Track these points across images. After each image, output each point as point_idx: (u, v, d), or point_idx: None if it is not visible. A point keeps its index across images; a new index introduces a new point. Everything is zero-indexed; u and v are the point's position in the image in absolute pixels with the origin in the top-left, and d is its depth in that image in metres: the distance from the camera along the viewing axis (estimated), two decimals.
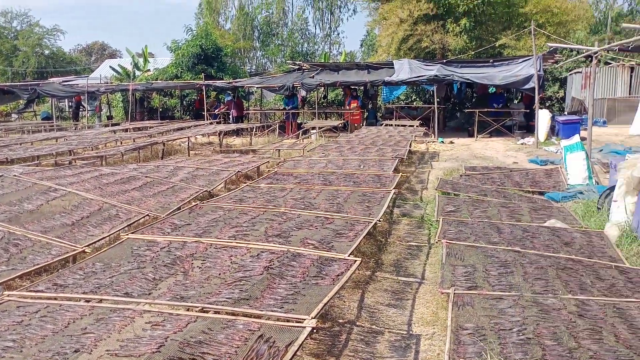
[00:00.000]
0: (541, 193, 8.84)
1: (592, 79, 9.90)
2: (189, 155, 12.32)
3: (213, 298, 3.11)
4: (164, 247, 3.98)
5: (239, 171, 8.15)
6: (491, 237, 5.86)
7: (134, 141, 15.96)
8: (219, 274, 3.44)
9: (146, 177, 7.09)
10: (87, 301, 3.13)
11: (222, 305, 2.99)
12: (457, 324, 3.85)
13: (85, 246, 4.71)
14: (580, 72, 23.35)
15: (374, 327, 4.37)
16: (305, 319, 2.74)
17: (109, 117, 28.25)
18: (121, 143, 14.32)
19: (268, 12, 44.67)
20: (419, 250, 6.29)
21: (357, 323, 4.38)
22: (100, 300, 3.13)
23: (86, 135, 15.31)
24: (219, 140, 14.79)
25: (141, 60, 35.49)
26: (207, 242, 4.00)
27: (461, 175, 10.19)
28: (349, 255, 3.68)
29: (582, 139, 17.19)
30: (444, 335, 3.89)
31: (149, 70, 34.22)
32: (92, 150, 11.64)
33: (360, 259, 3.62)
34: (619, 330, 3.63)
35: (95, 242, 4.85)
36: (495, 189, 8.75)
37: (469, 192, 8.24)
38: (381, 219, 4.95)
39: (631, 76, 22.60)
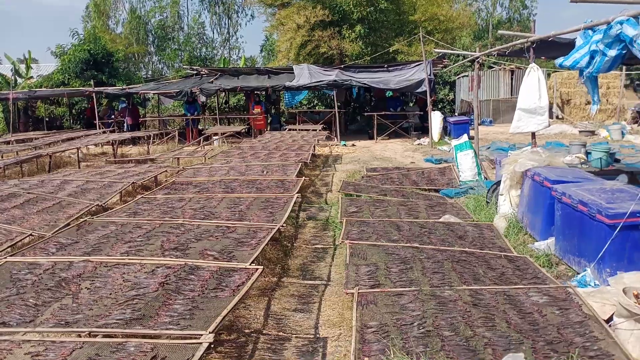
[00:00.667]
0: (436, 190, 9.29)
1: (476, 82, 10.59)
2: (79, 168, 11.51)
3: (102, 320, 2.87)
4: (48, 269, 3.62)
5: (134, 182, 7.71)
6: (391, 235, 6.04)
7: (17, 154, 14.68)
8: (110, 294, 3.19)
9: (28, 193, 6.48)
10: None
11: (112, 327, 2.77)
12: (362, 323, 3.90)
13: None
14: (467, 76, 25.03)
15: (280, 334, 4.30)
16: (202, 335, 2.61)
17: None
18: (1, 157, 13.07)
19: (162, 16, 43.17)
20: (324, 253, 6.33)
21: (264, 331, 4.30)
22: None
23: None
24: (113, 150, 13.98)
25: (23, 66, 32.75)
26: (97, 261, 3.70)
27: (363, 177, 10.46)
28: (250, 264, 3.58)
29: (472, 137, 18.50)
30: (350, 336, 3.92)
31: (32, 77, 31.69)
32: None
33: (261, 267, 3.53)
34: (510, 316, 3.87)
35: None
36: (394, 188, 9.07)
37: (370, 192, 8.46)
38: (285, 225, 4.91)
39: (512, 78, 24.59)
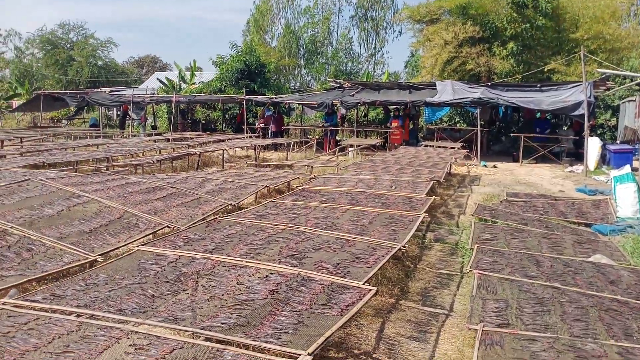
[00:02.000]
0: (587, 225, 8.24)
1: None
2: (222, 167, 12.27)
3: (208, 322, 2.85)
4: (172, 262, 3.76)
5: (267, 186, 7.95)
6: (528, 270, 5.40)
7: (174, 151, 16.14)
8: (222, 295, 3.18)
9: (172, 187, 6.97)
10: (78, 316, 2.93)
11: (216, 331, 2.73)
12: None
13: (98, 255, 4.57)
14: (634, 100, 22.22)
15: None
16: (300, 355, 2.44)
17: (154, 127, 28.90)
18: (159, 152, 14.46)
19: (314, 31, 44.99)
20: (449, 280, 5.88)
21: (374, 355, 4.04)
22: (91, 316, 2.92)
23: (127, 144, 15.55)
24: (255, 154, 14.73)
25: (188, 73, 36.33)
26: (216, 260, 3.77)
27: (502, 202, 9.68)
28: (364, 283, 3.36)
29: (635, 169, 16.31)
30: None
31: (194, 83, 34.95)
32: (127, 158, 11.73)
33: (375, 289, 3.30)
34: None
35: (109, 252, 4.70)
36: (537, 217, 8.22)
37: (508, 219, 7.75)
38: (407, 245, 4.60)
39: None
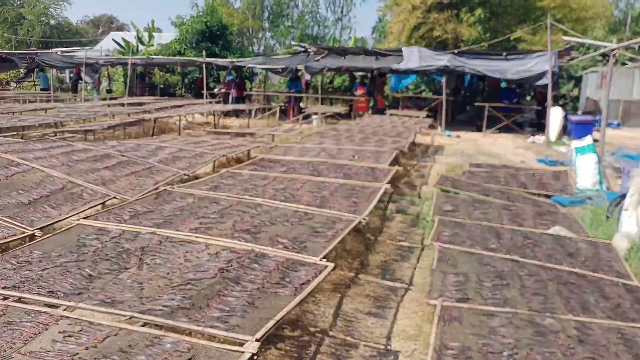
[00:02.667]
0: (548, 196, 8.30)
1: (608, 79, 9.29)
2: (179, 135, 11.83)
3: (149, 304, 2.63)
4: (115, 237, 3.49)
5: (224, 155, 7.64)
6: (489, 243, 5.35)
7: (129, 116, 15.50)
8: (167, 274, 2.95)
9: (122, 155, 6.59)
10: (5, 298, 2.66)
11: (157, 314, 2.51)
12: (441, 342, 3.38)
13: (36, 229, 4.23)
14: (597, 72, 22.60)
15: (348, 338, 3.89)
16: (247, 341, 2.25)
17: (109, 91, 27.76)
18: (113, 118, 13.83)
19: None
20: (410, 252, 5.80)
21: (331, 333, 3.91)
22: (19, 299, 2.66)
23: (78, 108, 14.81)
24: (214, 120, 14.28)
25: (146, 34, 34.84)
26: (163, 235, 3.51)
27: (464, 172, 9.65)
28: (320, 259, 3.19)
29: (595, 140, 16.63)
30: (426, 354, 3.41)
31: (152, 45, 33.55)
32: (77, 123, 11.13)
33: (332, 265, 3.13)
34: None
35: (48, 225, 4.37)
36: (499, 189, 8.22)
37: (471, 190, 7.71)
38: (367, 217, 4.45)
39: None
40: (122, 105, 18.34)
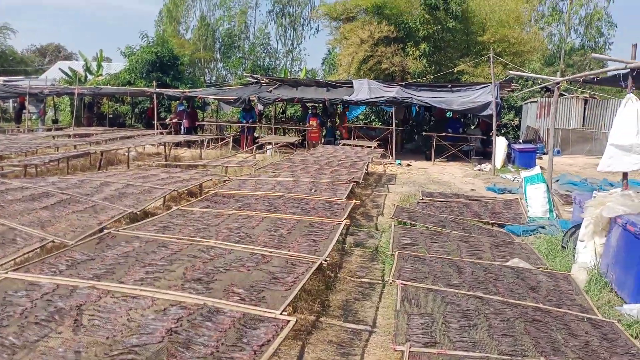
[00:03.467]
0: (501, 225, 8.38)
1: (551, 109, 9.60)
2: (128, 167, 11.31)
3: None
4: (47, 294, 3.08)
5: (175, 190, 7.27)
6: (451, 278, 5.25)
7: (75, 148, 14.82)
8: (107, 338, 2.59)
9: (62, 193, 6.11)
10: None
11: None
12: None
13: None
14: (536, 102, 23.66)
15: None
16: None
17: (55, 121, 26.64)
18: (57, 150, 13.13)
19: (230, 25, 43.87)
20: (371, 289, 5.61)
21: None
22: None
23: (20, 140, 14.00)
24: (165, 152, 13.81)
25: (94, 64, 33.94)
26: (104, 289, 3.13)
27: (418, 202, 9.66)
28: (281, 313, 2.93)
29: (540, 167, 17.24)
30: None
31: (101, 75, 32.68)
32: (18, 156, 10.44)
33: (294, 320, 2.87)
34: None
35: None
36: (453, 219, 8.23)
37: (427, 222, 7.67)
38: (328, 259, 4.23)
39: (585, 108, 23.04)
40: (69, 136, 17.55)
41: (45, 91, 23.03)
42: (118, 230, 4.61)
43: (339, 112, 24.30)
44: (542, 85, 16.56)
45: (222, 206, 6.06)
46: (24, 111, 24.56)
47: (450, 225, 7.70)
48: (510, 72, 12.95)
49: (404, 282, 4.91)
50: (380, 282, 5.86)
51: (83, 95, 22.95)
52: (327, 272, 5.88)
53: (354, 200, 6.75)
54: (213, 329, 2.71)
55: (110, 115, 27.40)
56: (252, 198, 6.49)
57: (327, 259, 4.27)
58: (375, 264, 6.47)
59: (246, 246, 4.38)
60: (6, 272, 3.40)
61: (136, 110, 27.85)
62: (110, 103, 28.40)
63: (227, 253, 4.17)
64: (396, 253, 5.88)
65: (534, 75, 15.78)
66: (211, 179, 8.65)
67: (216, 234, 4.73)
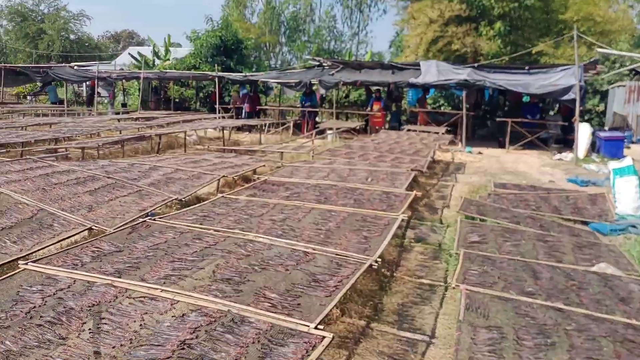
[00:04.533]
0: (584, 223, 7.44)
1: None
2: (185, 151, 11.19)
3: None
4: (61, 290, 2.77)
5: (224, 176, 6.94)
6: (525, 285, 4.54)
7: (138, 131, 15.02)
8: (113, 347, 2.23)
9: (108, 177, 5.92)
10: None
11: None
12: None
13: None
14: (624, 86, 21.58)
15: None
16: None
17: (124, 105, 27.51)
18: (119, 133, 13.29)
19: (295, 8, 43.58)
20: (431, 292, 5.00)
21: None
22: None
23: (85, 123, 14.33)
24: (223, 136, 13.65)
25: (163, 49, 34.76)
26: (122, 287, 2.78)
27: (489, 194, 8.82)
28: (316, 326, 2.43)
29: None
30: None
31: (169, 59, 33.43)
32: (80, 139, 10.55)
33: (331, 336, 2.38)
34: None
35: (4, 264, 3.68)
36: (529, 214, 7.38)
37: (498, 217, 6.89)
38: (379, 260, 3.67)
39: None
40: (134, 119, 17.90)
41: (113, 75, 23.72)
42: (155, 220, 4.28)
43: (405, 96, 23.39)
44: (632, 67, 14.90)
45: (269, 195, 5.64)
46: (95, 95, 25.50)
47: (525, 221, 6.88)
48: (600, 49, 11.62)
49: (469, 288, 4.27)
50: (442, 284, 5.23)
51: (149, 79, 23.45)
52: (383, 270, 5.32)
53: (415, 192, 6.11)
54: (233, 343, 2.27)
55: (176, 100, 27.96)
56: (303, 187, 6.01)
57: (378, 259, 3.71)
58: (437, 263, 5.83)
59: (288, 241, 3.91)
60: (26, 264, 3.12)
61: (200, 94, 28.20)
62: (176, 87, 29.00)
63: (267, 249, 3.72)
64: (462, 252, 5.22)
65: (629, 54, 14.15)
66: (264, 165, 8.27)
67: (258, 226, 4.30)
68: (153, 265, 3.22)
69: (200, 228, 4.11)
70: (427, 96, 20.41)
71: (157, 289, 2.81)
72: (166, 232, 3.99)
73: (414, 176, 7.62)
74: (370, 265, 3.58)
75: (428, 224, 7.43)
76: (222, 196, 5.43)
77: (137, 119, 18.24)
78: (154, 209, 5.14)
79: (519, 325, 3.72)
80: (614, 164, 8.11)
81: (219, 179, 6.80)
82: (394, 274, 5.36)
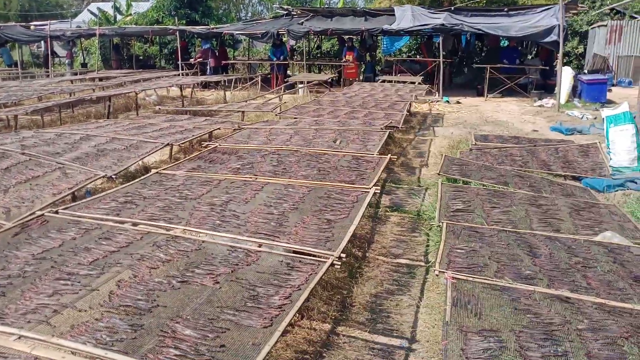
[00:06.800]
0: (577, 178, 6.74)
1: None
2: (137, 114, 10.10)
3: None
4: None
5: (170, 143, 5.96)
6: (522, 265, 3.80)
7: (94, 91, 13.82)
8: None
9: (22, 153, 4.93)
10: None
11: None
12: None
13: None
14: (605, 26, 20.73)
15: None
16: None
17: (84, 65, 25.77)
18: (70, 95, 12.06)
19: None
20: (410, 277, 4.25)
21: None
22: None
23: (32, 85, 13.02)
24: (182, 95, 12.51)
25: (125, 3, 32.60)
26: None
27: (471, 149, 8.04)
28: None
29: (609, 101, 14.96)
30: None
31: (130, 14, 31.38)
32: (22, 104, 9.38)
33: None
34: None
35: None
36: (517, 172, 6.63)
37: (484, 178, 6.12)
38: (343, 255, 2.83)
39: None
40: (91, 80, 16.56)
41: (67, 33, 21.94)
42: (57, 212, 3.36)
43: (380, 44, 22.25)
44: (614, 5, 13.92)
45: (217, 167, 4.73)
46: (53, 55, 23.72)
47: (513, 181, 6.13)
48: None
49: (455, 275, 3.51)
50: (423, 264, 4.47)
51: (106, 36, 21.73)
52: (353, 250, 4.53)
53: (390, 156, 5.26)
54: None
55: (141, 57, 26.28)
56: (259, 154, 5.11)
57: (342, 255, 2.89)
58: (416, 237, 5.07)
59: (227, 235, 3.05)
60: None
61: (165, 50, 26.54)
62: (139, 44, 27.21)
63: (195, 249, 2.86)
64: (444, 225, 4.44)
65: None
66: (219, 128, 7.29)
67: (191, 214, 3.42)
68: (26, 290, 2.34)
69: (114, 221, 3.22)
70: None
71: (11, 335, 1.93)
72: (67, 229, 3.09)
73: (389, 135, 6.76)
74: (332, 264, 2.77)
75: (405, 187, 6.64)
76: (156, 172, 4.49)
77: (93, 79, 16.90)
78: (73, 192, 4.21)
79: (520, 327, 2.99)
80: (608, 111, 7.34)
81: (160, 148, 5.81)
82: (367, 254, 4.59)
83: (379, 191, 4.18)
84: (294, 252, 2.88)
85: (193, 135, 6.52)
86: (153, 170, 4.45)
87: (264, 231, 3.17)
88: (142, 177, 4.30)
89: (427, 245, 4.83)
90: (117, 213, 3.43)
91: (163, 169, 4.56)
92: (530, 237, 4.33)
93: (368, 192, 3.99)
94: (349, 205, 3.72)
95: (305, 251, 2.88)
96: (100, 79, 16.68)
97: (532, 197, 5.46)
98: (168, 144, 5.87)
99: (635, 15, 23.16)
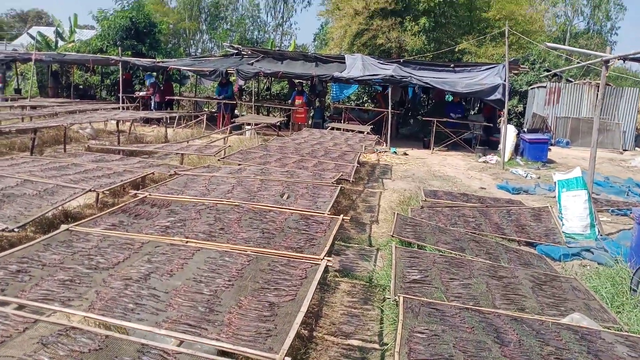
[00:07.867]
0: (530, 244, 6.48)
1: (600, 94, 7.63)
2: (65, 151, 9.17)
3: None
4: None
5: (91, 189, 5.16)
6: (490, 356, 3.32)
7: (23, 120, 12.77)
8: None
9: None
10: None
11: None
12: None
13: None
14: (544, 87, 21.69)
15: None
16: None
17: (17, 90, 24.22)
18: None
19: None
20: None
21: None
22: None
23: None
24: (118, 130, 11.64)
25: (68, 29, 31.34)
26: None
27: (422, 207, 7.70)
28: None
29: (550, 161, 15.33)
30: None
31: (73, 41, 30.14)
32: None
33: None
34: None
35: None
36: (471, 235, 6.28)
37: (439, 242, 5.72)
38: (284, 354, 2.24)
39: (597, 95, 21.10)
40: (23, 107, 15.35)
41: (0, 56, 20.60)
42: None
43: (329, 90, 22.22)
44: (591, 62, 14.34)
45: (143, 223, 4.05)
46: None
47: (469, 245, 5.76)
48: (548, 44, 10.83)
49: None
50: (377, 346, 3.92)
51: (43, 62, 20.53)
52: (299, 329, 3.91)
53: (342, 217, 4.76)
54: None
55: (81, 86, 25.06)
56: (193, 209, 4.46)
57: (286, 358, 2.29)
58: (369, 309, 4.52)
59: (139, 327, 2.38)
60: None
61: (107, 81, 25.47)
62: (79, 72, 26.02)
63: (95, 348, 2.17)
64: (401, 299, 3.94)
65: (578, 50, 13.67)
66: (153, 173, 6.58)
67: (98, 292, 2.71)
68: None
69: None
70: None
71: None
72: None
73: (341, 189, 6.29)
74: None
75: (355, 245, 6.14)
76: (68, 229, 3.74)
77: (24, 107, 15.70)
78: None
79: None
80: (560, 176, 7.22)
81: (77, 196, 5.01)
82: (314, 331, 3.99)
83: (331, 263, 3.62)
84: (223, 353, 2.26)
85: (122, 180, 5.77)
86: (63, 226, 3.70)
87: (188, 319, 2.51)
88: (45, 237, 3.53)
89: (381, 322, 4.30)
90: (2, 289, 2.67)
91: (75, 225, 3.81)
92: (495, 318, 3.88)
93: (319, 264, 3.44)
94: (296, 282, 3.15)
95: (238, 352, 2.27)
96: (33, 107, 15.51)
97: (490, 266, 5.08)
98: (90, 190, 5.11)
99: (571, 79, 24.48)
